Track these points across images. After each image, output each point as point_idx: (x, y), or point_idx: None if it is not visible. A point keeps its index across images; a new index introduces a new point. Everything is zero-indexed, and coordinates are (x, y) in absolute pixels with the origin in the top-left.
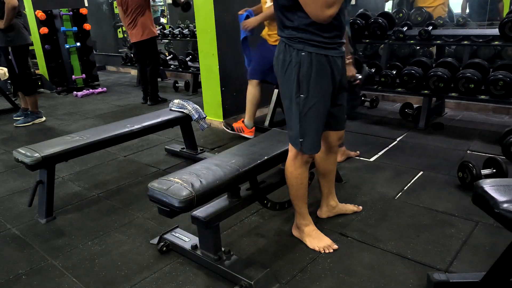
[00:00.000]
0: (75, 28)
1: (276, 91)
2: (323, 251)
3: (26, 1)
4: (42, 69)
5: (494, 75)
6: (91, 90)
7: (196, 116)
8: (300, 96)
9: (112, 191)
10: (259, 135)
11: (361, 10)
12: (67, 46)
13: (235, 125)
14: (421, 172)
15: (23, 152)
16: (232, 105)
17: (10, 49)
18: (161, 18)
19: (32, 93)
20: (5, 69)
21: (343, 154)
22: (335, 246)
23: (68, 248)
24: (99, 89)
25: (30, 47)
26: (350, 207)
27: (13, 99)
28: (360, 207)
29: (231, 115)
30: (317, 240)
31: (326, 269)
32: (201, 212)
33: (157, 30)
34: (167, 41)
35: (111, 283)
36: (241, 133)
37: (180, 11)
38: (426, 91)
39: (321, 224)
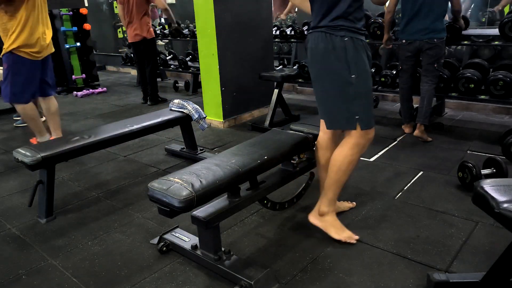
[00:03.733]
0: (75, 28)
1: (276, 91)
2: (345, 241)
3: None
4: None
5: (494, 75)
6: (91, 90)
7: (196, 116)
8: (352, 76)
9: (112, 191)
10: (259, 135)
11: None
12: (67, 46)
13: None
14: (421, 172)
15: (23, 152)
16: (232, 105)
17: None
18: (161, 18)
19: None
20: None
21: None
22: (356, 237)
23: (68, 248)
24: (99, 89)
25: None
26: (345, 204)
27: None
28: (354, 203)
29: (231, 115)
30: (341, 231)
31: (326, 269)
32: (201, 212)
33: (156, 31)
34: (167, 41)
35: (111, 283)
36: None
37: (179, 11)
38: None
39: None
